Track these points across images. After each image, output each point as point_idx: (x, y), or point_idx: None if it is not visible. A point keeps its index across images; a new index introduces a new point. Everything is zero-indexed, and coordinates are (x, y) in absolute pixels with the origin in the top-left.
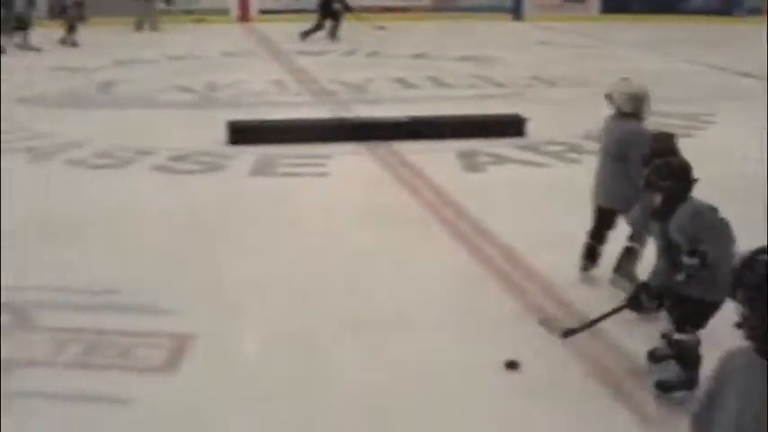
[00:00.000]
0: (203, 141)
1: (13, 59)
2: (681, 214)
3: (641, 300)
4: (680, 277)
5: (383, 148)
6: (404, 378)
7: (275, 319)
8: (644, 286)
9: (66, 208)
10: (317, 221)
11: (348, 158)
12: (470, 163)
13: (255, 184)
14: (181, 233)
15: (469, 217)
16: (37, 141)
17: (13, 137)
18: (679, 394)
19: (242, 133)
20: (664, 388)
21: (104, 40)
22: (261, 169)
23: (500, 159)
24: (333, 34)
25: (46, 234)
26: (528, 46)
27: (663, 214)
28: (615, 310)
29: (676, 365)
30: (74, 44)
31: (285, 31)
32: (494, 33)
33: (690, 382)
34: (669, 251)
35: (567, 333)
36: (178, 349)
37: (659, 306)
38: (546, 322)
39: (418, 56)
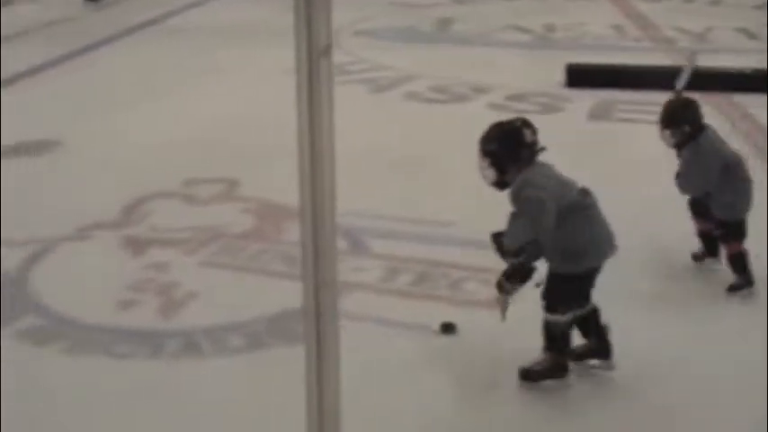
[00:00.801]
0: (540, 82)
1: None
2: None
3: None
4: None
5: (723, 99)
6: None
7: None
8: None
9: (402, 140)
10: (654, 169)
11: None
12: None
13: (593, 128)
14: None
15: None
16: (376, 73)
17: (354, 68)
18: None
19: (580, 76)
20: (529, 377)
21: None
22: (599, 113)
23: None
24: None
25: (381, 164)
26: None
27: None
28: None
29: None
30: None
31: None
32: None
33: (557, 369)
34: None
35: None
36: None
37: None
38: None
39: (763, 6)
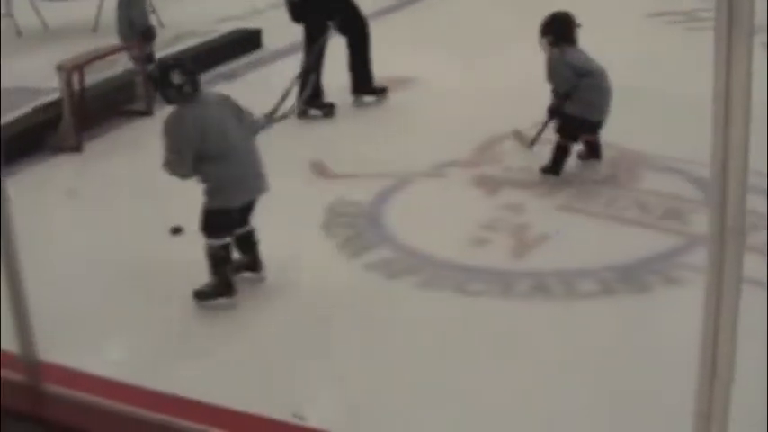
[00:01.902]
0: None
1: None
2: None
3: None
4: None
5: None
6: None
7: None
8: None
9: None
10: None
11: None
12: None
13: None
14: None
15: None
16: None
17: (706, 15)
18: (220, 301)
19: None
20: (201, 297)
21: None
22: None
23: None
24: None
25: None
26: None
27: None
28: None
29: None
30: None
31: None
32: None
33: (225, 288)
34: None
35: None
36: None
37: None
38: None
39: None
